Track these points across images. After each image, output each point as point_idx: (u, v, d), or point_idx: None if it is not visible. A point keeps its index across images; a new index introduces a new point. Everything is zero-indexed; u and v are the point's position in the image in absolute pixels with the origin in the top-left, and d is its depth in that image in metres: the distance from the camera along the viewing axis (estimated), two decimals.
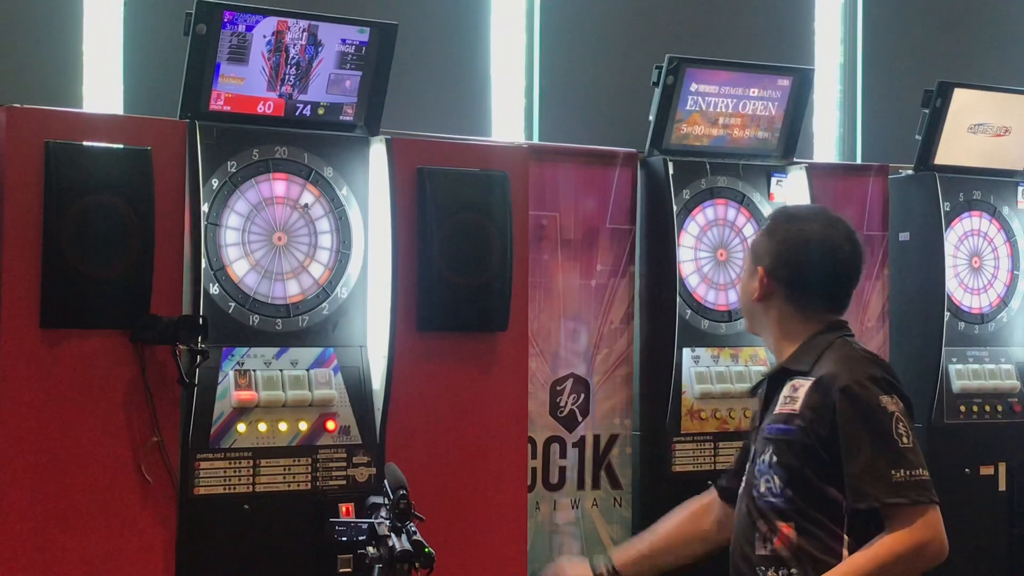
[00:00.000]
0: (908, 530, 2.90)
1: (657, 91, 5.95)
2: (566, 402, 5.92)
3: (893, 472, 2.91)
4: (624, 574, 3.39)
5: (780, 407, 3.07)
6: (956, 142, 6.59)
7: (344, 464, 5.04)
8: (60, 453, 4.61)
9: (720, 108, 6.07)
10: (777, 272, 3.15)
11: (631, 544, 3.50)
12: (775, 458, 3.04)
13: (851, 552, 2.96)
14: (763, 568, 3.06)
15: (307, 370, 5.02)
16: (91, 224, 4.60)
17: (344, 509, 4.96)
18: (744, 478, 3.18)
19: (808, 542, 3.00)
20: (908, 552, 2.90)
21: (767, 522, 3.06)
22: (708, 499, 3.43)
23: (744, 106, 6.12)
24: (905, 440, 2.94)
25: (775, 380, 3.15)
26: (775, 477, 3.04)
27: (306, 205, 5.05)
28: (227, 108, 4.94)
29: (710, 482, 3.46)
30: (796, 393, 3.05)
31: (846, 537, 2.98)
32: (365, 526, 3.50)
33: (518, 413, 5.47)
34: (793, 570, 3.02)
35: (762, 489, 3.07)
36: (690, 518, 3.43)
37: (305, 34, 5.00)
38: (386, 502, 3.53)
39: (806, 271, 3.15)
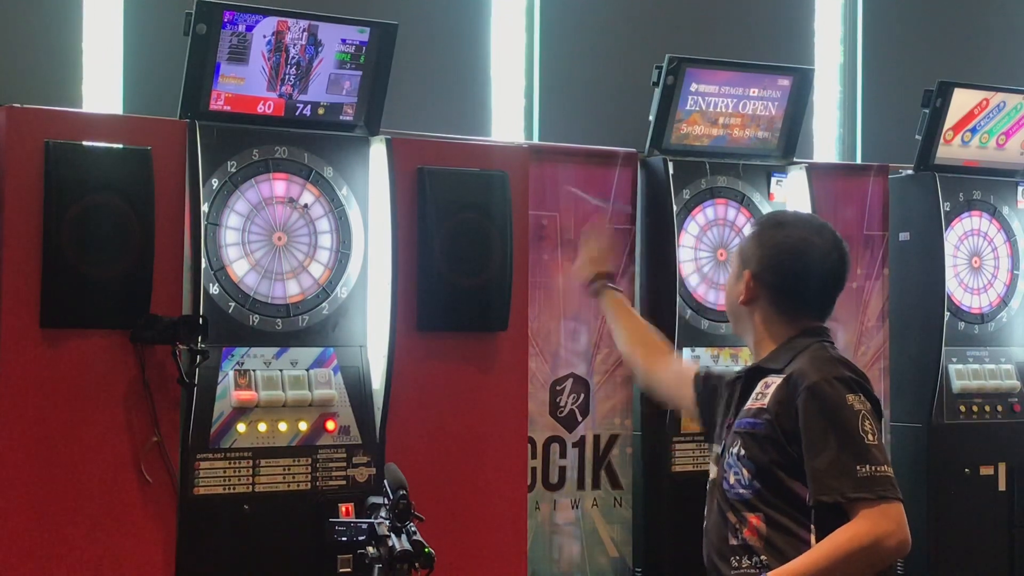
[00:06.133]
0: (870, 522, 2.94)
1: (657, 91, 5.95)
2: (566, 402, 5.92)
3: (858, 467, 2.95)
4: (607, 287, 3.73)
5: (751, 403, 3.14)
6: None
7: (344, 464, 5.04)
8: (60, 453, 4.61)
9: (720, 108, 6.07)
10: (763, 277, 3.18)
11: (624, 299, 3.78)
12: (743, 451, 3.10)
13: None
14: (736, 558, 3.10)
15: (307, 370, 5.02)
16: (91, 224, 4.60)
17: (344, 509, 4.96)
18: (715, 472, 3.24)
19: (777, 533, 3.05)
20: (869, 543, 2.93)
21: (736, 514, 3.11)
22: (686, 368, 3.63)
23: (744, 106, 6.12)
24: (871, 437, 2.98)
25: (750, 378, 3.20)
26: (743, 470, 3.09)
27: (305, 205, 5.05)
28: (227, 108, 4.94)
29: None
30: (767, 389, 3.11)
31: (813, 526, 3.03)
32: (365, 526, 3.50)
33: (518, 413, 5.47)
34: (763, 557, 3.06)
35: (731, 481, 3.13)
36: (662, 350, 3.70)
37: (305, 34, 5.00)
38: (386, 502, 3.53)
39: (792, 278, 3.18)
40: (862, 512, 2.94)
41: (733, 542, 3.10)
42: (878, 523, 2.93)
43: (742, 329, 3.30)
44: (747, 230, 3.34)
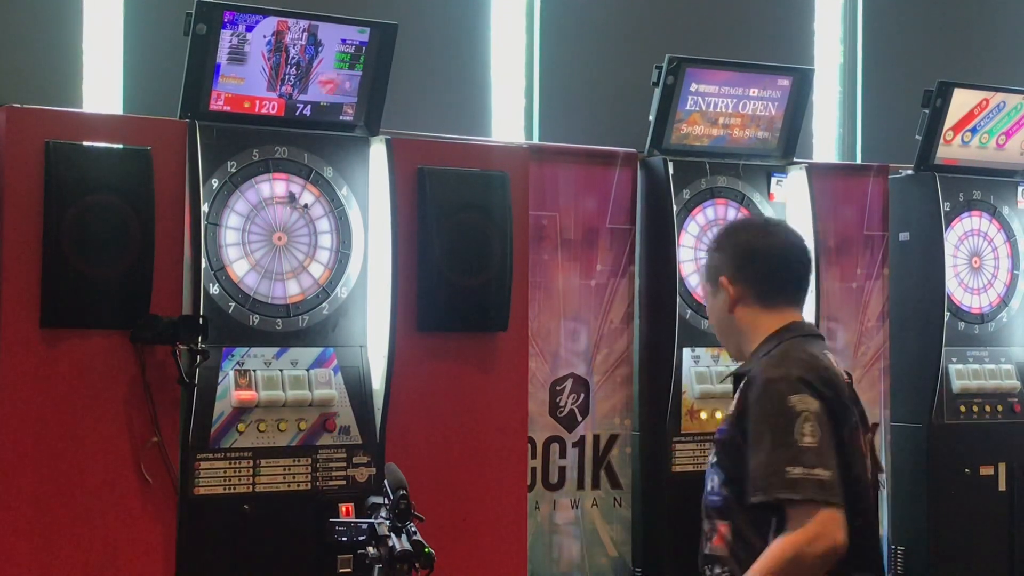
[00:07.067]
0: (799, 530, 2.89)
1: (657, 91, 5.95)
2: (566, 402, 5.92)
3: (788, 469, 2.90)
4: None
5: (728, 409, 3.15)
6: None
7: (344, 464, 5.04)
8: (60, 453, 4.61)
9: (720, 108, 6.07)
10: (739, 274, 3.18)
11: None
12: (715, 459, 3.11)
13: None
14: (707, 567, 3.11)
15: (307, 370, 5.02)
16: (91, 224, 4.60)
17: (344, 509, 4.96)
18: None
19: (739, 543, 3.04)
20: (797, 551, 2.89)
21: (710, 521, 3.12)
22: None
23: (744, 106, 6.12)
24: (808, 439, 2.93)
25: (735, 384, 3.20)
26: (715, 476, 3.10)
27: (305, 205, 5.05)
28: (227, 108, 4.94)
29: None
30: (737, 394, 3.11)
31: (771, 537, 2.98)
32: (365, 526, 3.50)
33: (518, 413, 5.47)
34: (727, 569, 3.06)
35: (708, 488, 3.14)
36: None
37: (305, 34, 5.00)
38: (386, 502, 3.53)
39: (764, 261, 3.18)
40: (795, 517, 2.90)
41: (706, 551, 3.11)
42: (805, 529, 2.89)
43: (733, 341, 3.26)
44: (707, 250, 3.33)
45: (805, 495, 2.89)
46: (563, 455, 5.91)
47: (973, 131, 6.70)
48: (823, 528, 2.89)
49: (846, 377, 3.17)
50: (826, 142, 7.91)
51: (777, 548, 2.91)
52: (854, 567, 3.02)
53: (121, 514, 4.70)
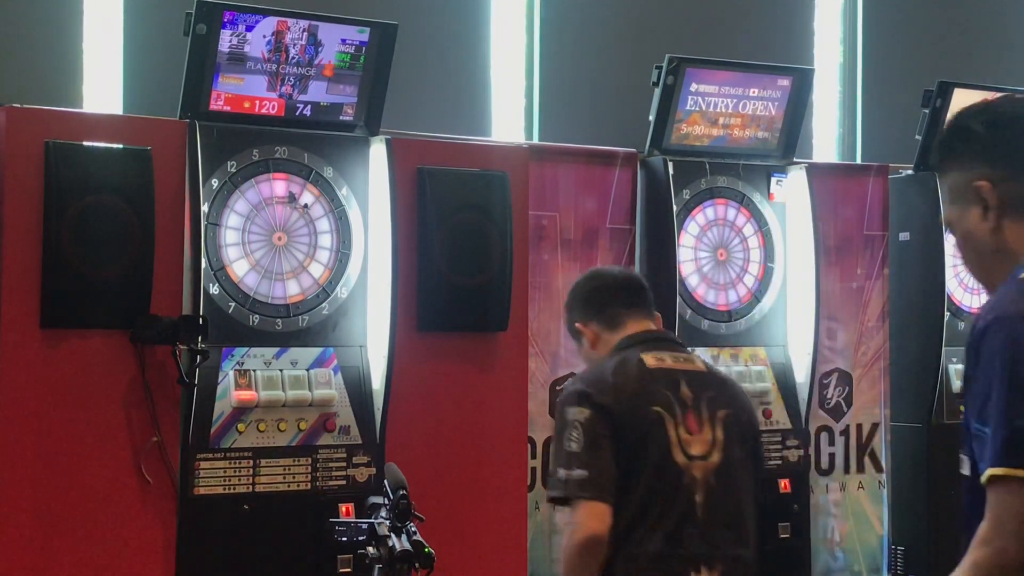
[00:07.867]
0: (569, 527, 3.21)
1: (657, 91, 5.95)
2: None
3: (558, 470, 3.25)
4: None
5: None
6: None
7: (344, 464, 5.04)
8: (60, 453, 4.61)
9: (720, 108, 6.07)
10: (587, 315, 3.53)
11: None
12: None
13: None
14: None
15: (307, 370, 5.02)
16: (91, 224, 4.60)
17: (344, 509, 4.96)
18: None
19: None
20: (565, 544, 3.22)
21: None
22: None
23: (744, 106, 6.12)
24: (573, 445, 3.23)
25: None
26: None
27: (305, 205, 5.05)
28: (227, 108, 4.94)
29: None
30: None
31: None
32: (365, 526, 3.51)
33: (518, 413, 5.47)
34: None
35: None
36: None
37: (305, 34, 5.00)
38: (386, 502, 3.53)
39: (597, 294, 3.54)
40: (569, 513, 3.21)
41: None
42: (569, 523, 3.21)
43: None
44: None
45: (567, 493, 3.21)
46: None
47: None
48: (579, 520, 3.19)
49: (702, 367, 3.45)
50: (826, 142, 7.91)
51: (562, 546, 3.25)
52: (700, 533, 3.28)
53: (121, 514, 4.70)
